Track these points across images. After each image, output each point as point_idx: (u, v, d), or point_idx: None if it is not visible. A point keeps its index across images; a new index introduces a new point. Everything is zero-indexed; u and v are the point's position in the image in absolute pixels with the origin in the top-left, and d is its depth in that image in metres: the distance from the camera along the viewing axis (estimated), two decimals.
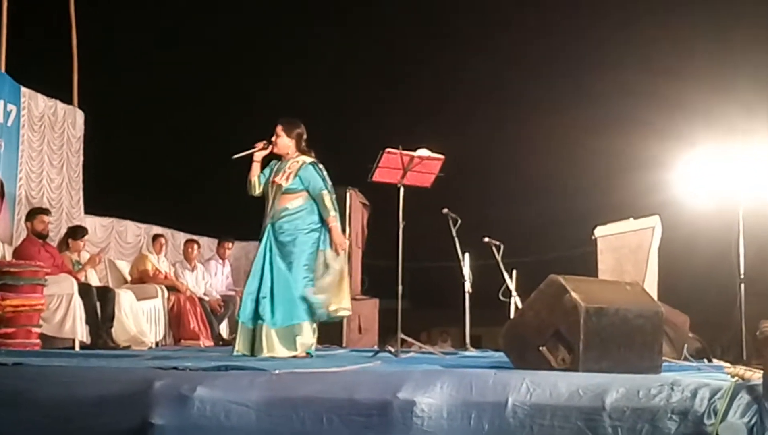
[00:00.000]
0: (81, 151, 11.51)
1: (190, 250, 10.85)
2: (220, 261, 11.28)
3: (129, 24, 18.38)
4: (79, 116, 11.54)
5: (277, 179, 6.33)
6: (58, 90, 11.30)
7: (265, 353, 6.01)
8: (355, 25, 20.05)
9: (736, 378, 3.29)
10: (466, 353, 7.59)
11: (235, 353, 6.10)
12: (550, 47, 18.87)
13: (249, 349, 6.12)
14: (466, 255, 8.57)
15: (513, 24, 19.39)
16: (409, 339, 6.67)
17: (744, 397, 3.06)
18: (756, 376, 3.36)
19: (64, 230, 9.88)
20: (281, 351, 6.04)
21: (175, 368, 4.09)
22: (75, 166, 11.40)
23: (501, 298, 8.29)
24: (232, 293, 10.96)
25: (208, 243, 12.74)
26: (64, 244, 9.16)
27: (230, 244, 11.55)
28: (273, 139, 6.39)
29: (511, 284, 8.26)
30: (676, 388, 3.14)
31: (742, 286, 8.01)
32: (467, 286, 8.66)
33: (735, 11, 14.87)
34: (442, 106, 20.29)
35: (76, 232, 9.30)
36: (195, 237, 11.83)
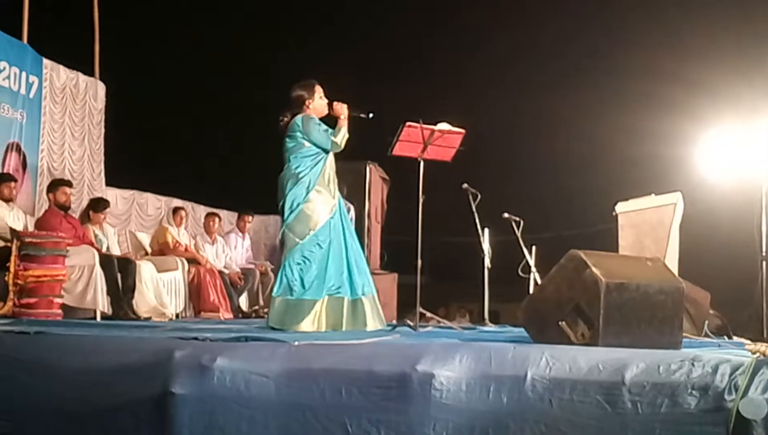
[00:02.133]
0: (102, 124, 11.56)
1: (210, 223, 10.89)
2: (240, 234, 11.32)
3: None
4: (101, 88, 11.57)
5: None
6: (79, 62, 11.34)
7: (362, 326, 6.08)
8: (377, 3, 19.96)
9: (757, 354, 3.27)
10: (485, 328, 7.59)
11: (318, 332, 5.93)
12: (573, 22, 18.71)
13: (338, 324, 6.05)
14: (486, 230, 8.55)
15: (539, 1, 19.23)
16: (428, 313, 6.67)
17: (765, 374, 3.04)
18: None
19: (85, 202, 9.94)
20: (374, 323, 6.18)
21: (196, 339, 4.12)
22: (96, 139, 11.45)
23: (520, 274, 8.27)
24: (252, 266, 11.01)
25: (228, 216, 12.78)
26: (85, 216, 9.21)
27: (250, 218, 11.58)
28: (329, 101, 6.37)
29: (531, 260, 8.23)
30: (696, 364, 3.13)
31: (764, 263, 7.95)
32: (486, 262, 8.64)
33: None
34: (463, 80, 20.21)
35: (98, 205, 9.34)
36: (216, 210, 11.86)
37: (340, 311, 6.12)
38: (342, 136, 6.25)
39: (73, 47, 11.85)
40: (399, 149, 6.38)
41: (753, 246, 8.20)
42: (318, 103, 6.36)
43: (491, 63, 20.33)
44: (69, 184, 8.93)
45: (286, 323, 5.95)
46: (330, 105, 6.37)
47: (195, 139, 19.07)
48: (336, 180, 6.39)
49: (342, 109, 6.31)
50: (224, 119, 19.13)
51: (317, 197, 6.18)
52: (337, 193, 6.38)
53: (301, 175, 6.16)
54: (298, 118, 6.25)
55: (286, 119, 6.34)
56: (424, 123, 6.31)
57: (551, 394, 3.23)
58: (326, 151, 6.27)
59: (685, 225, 7.53)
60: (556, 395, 3.22)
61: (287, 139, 6.26)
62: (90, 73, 11.47)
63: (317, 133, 6.22)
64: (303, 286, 6.05)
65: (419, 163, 6.42)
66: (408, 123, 6.29)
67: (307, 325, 5.97)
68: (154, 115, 17.87)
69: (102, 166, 11.55)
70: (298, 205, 6.12)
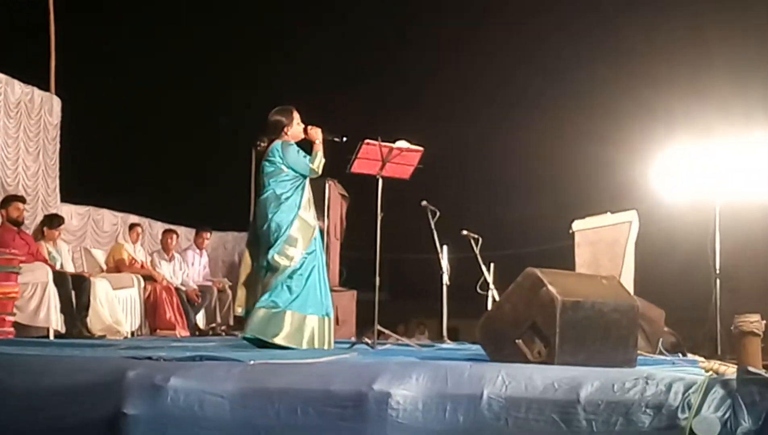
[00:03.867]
0: (58, 139, 11.44)
1: (168, 240, 10.79)
2: (198, 251, 11.23)
3: (107, 11, 18.24)
4: (56, 103, 11.45)
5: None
6: (35, 77, 11.21)
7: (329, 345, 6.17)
8: (335, 19, 20.01)
9: (710, 372, 3.31)
10: (443, 345, 7.59)
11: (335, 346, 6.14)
12: (528, 44, 18.89)
13: (322, 343, 6.16)
14: (445, 247, 8.57)
15: (493, 19, 19.41)
16: (386, 331, 6.66)
17: (718, 392, 3.07)
18: (730, 370, 3.38)
19: (40, 218, 9.81)
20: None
21: (149, 358, 4.06)
22: (51, 154, 11.32)
23: (479, 290, 8.30)
24: (209, 283, 10.92)
25: (185, 232, 12.69)
26: (39, 233, 9.08)
27: (208, 235, 11.51)
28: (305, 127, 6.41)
29: (489, 277, 8.27)
30: (650, 382, 3.15)
31: (718, 281, 8.07)
32: (445, 279, 8.66)
33: (711, 13, 14.96)
34: (421, 99, 20.30)
35: (52, 221, 9.21)
36: (173, 226, 11.77)
37: (325, 330, 6.21)
38: (319, 162, 6.31)
39: (28, 62, 11.72)
40: (357, 166, 6.38)
41: (707, 264, 8.32)
42: (295, 128, 6.40)
43: (450, 82, 20.47)
44: (22, 199, 8.80)
45: (266, 333, 5.97)
46: (305, 130, 6.38)
47: (152, 155, 18.92)
48: (313, 204, 6.42)
49: (317, 134, 6.35)
50: (182, 135, 19.00)
51: (301, 221, 6.23)
52: (316, 216, 6.43)
53: (284, 199, 6.21)
54: (278, 144, 6.29)
55: (263, 144, 6.37)
56: (383, 141, 6.33)
57: (507, 413, 3.23)
58: (304, 177, 6.31)
59: (640, 243, 7.62)
60: (512, 414, 3.22)
61: (266, 164, 6.29)
62: (46, 87, 11.35)
63: (296, 159, 6.27)
64: (293, 301, 6.10)
65: (378, 180, 6.43)
66: (366, 140, 6.30)
67: (288, 338, 6.01)
68: (111, 130, 17.71)
69: (57, 182, 11.42)
70: (285, 229, 6.15)
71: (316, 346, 6.10)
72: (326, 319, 6.28)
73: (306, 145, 6.39)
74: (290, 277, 6.11)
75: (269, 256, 6.13)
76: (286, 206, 6.18)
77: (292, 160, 6.24)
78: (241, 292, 6.40)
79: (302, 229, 6.21)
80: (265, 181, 6.27)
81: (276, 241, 6.13)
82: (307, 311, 6.14)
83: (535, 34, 18.76)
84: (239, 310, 6.44)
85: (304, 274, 6.17)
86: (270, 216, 6.18)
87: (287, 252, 6.13)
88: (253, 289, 6.28)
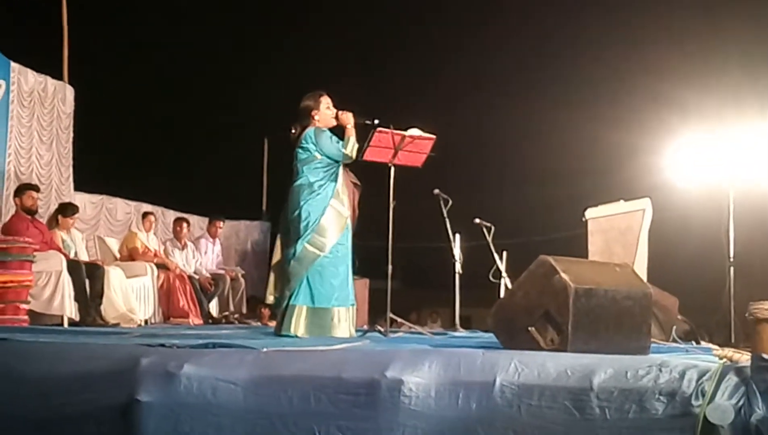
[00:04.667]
0: (71, 128, 11.46)
1: (179, 228, 10.82)
2: (211, 239, 11.26)
3: (120, 0, 18.24)
4: (69, 92, 11.47)
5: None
6: (48, 65, 11.23)
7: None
8: (347, 5, 19.96)
9: (724, 360, 3.29)
10: (456, 333, 7.60)
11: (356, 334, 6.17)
12: (542, 32, 18.82)
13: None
14: (457, 236, 8.57)
15: (507, 7, 19.31)
16: (399, 319, 6.68)
17: (732, 379, 3.05)
18: (744, 358, 3.36)
19: (53, 207, 9.85)
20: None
21: (162, 345, 4.08)
22: (65, 143, 11.34)
23: (491, 279, 8.30)
24: (222, 272, 10.95)
25: (198, 221, 12.72)
26: (53, 221, 9.12)
27: (221, 223, 11.54)
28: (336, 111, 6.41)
29: (502, 265, 8.26)
30: (664, 370, 3.14)
31: (732, 269, 8.03)
32: (458, 267, 8.67)
33: (724, 1, 14.87)
34: (434, 86, 20.24)
35: (66, 209, 9.25)
36: (185, 215, 11.79)
37: (350, 321, 6.27)
38: (352, 147, 6.28)
39: (41, 51, 11.74)
40: (370, 154, 6.38)
41: (721, 252, 8.28)
42: (324, 113, 6.38)
43: (463, 69, 20.41)
44: (36, 188, 8.83)
45: (313, 332, 6.02)
46: (336, 116, 6.38)
47: (165, 143, 18.95)
48: (347, 191, 6.42)
49: (348, 119, 6.34)
50: (195, 124, 19.02)
51: (333, 210, 6.24)
52: (347, 205, 6.43)
53: (317, 187, 6.21)
54: (311, 131, 6.29)
55: (295, 131, 6.38)
56: (395, 128, 6.32)
57: (520, 400, 3.22)
58: (338, 163, 6.29)
59: (653, 231, 7.59)
60: (525, 401, 3.22)
61: (299, 151, 6.29)
62: (59, 76, 11.37)
63: (329, 145, 6.27)
64: (330, 295, 6.15)
65: (390, 168, 6.42)
66: (378, 128, 6.29)
67: (339, 331, 6.09)
68: (124, 119, 17.74)
69: (71, 171, 11.45)
70: (316, 219, 6.15)
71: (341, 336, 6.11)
72: (351, 308, 6.31)
73: (339, 131, 6.40)
74: (319, 267, 6.12)
75: (299, 246, 6.12)
76: (318, 195, 6.19)
77: (326, 146, 6.24)
78: (272, 280, 6.42)
79: (334, 218, 6.20)
80: (299, 167, 6.26)
81: (306, 229, 6.13)
82: (334, 304, 6.16)
83: (548, 22, 18.69)
84: (270, 298, 6.46)
85: (335, 264, 6.18)
86: (302, 204, 6.18)
87: (317, 241, 6.13)
88: (283, 278, 6.30)
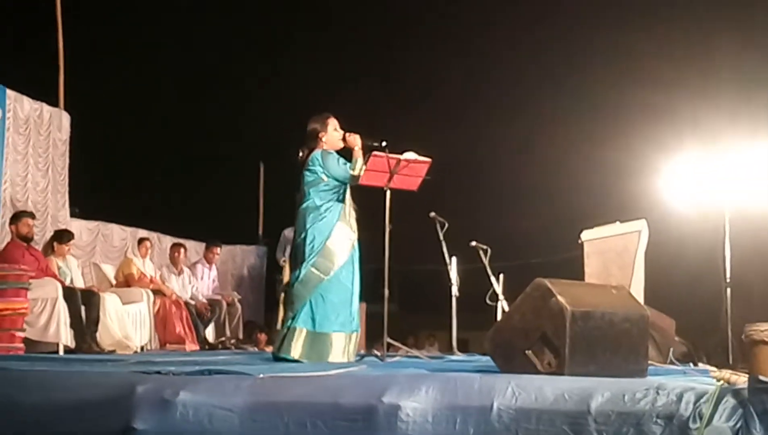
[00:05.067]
0: (67, 154, 11.47)
1: (176, 254, 10.81)
2: (207, 265, 11.25)
3: (115, 27, 18.33)
4: (65, 119, 11.49)
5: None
6: (44, 93, 11.26)
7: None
8: (341, 25, 20.07)
9: (721, 382, 3.28)
10: (453, 357, 7.58)
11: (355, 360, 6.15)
12: (536, 52, 18.90)
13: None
14: (453, 259, 8.56)
15: (499, 27, 19.42)
16: (396, 343, 6.65)
17: (729, 401, 3.05)
18: (742, 380, 3.35)
19: (49, 234, 9.83)
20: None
21: (158, 372, 4.06)
22: (60, 170, 11.35)
23: (488, 302, 8.28)
24: (219, 297, 10.93)
25: (194, 246, 12.71)
26: (49, 248, 9.10)
27: (218, 249, 11.53)
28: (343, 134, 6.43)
29: (498, 288, 8.25)
30: (661, 392, 3.13)
31: (728, 290, 8.03)
32: (454, 290, 8.65)
33: (718, 20, 14.96)
34: (429, 109, 20.29)
35: (62, 237, 9.24)
36: (181, 240, 11.78)
37: (351, 346, 6.24)
38: (360, 168, 6.28)
39: (37, 78, 11.77)
40: (365, 178, 6.37)
41: (718, 273, 8.29)
42: (332, 135, 6.43)
43: (457, 92, 20.48)
44: (32, 215, 8.82)
45: (311, 356, 6.00)
46: (344, 138, 6.41)
47: (161, 169, 18.98)
48: (354, 214, 6.42)
49: (355, 141, 6.38)
50: (191, 149, 19.05)
51: (339, 233, 6.25)
52: (355, 227, 6.41)
53: (324, 210, 6.23)
54: (318, 153, 6.32)
55: (302, 154, 6.42)
56: (390, 152, 6.32)
57: (518, 425, 3.21)
58: (345, 184, 6.32)
59: (650, 252, 7.59)
60: (523, 425, 3.21)
61: (306, 173, 6.33)
62: (55, 103, 11.40)
63: (336, 167, 6.31)
64: (331, 320, 6.13)
65: (385, 192, 6.43)
66: (374, 152, 6.30)
67: (336, 357, 6.07)
68: (120, 145, 17.77)
69: (66, 197, 11.44)
70: (321, 242, 6.16)
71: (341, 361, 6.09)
72: (354, 334, 6.29)
73: (346, 154, 6.42)
74: (323, 290, 6.12)
75: (303, 268, 6.13)
76: (324, 217, 6.21)
77: (332, 168, 6.28)
78: (282, 310, 6.45)
79: (340, 241, 6.21)
80: (305, 190, 6.29)
81: (311, 253, 6.13)
82: (335, 329, 6.15)
83: (541, 42, 18.76)
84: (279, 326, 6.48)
85: (339, 288, 6.17)
86: (308, 226, 6.20)
87: (322, 265, 6.14)
88: (288, 301, 6.30)
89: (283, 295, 6.50)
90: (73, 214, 11.57)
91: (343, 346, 6.16)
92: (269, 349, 10.32)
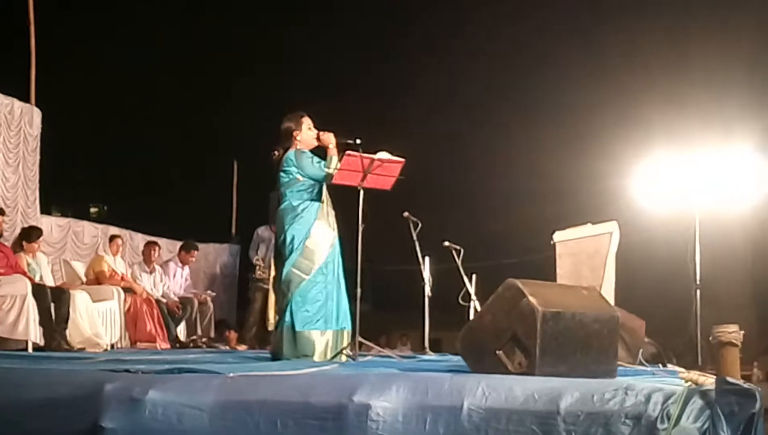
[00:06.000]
0: (38, 150, 11.36)
1: (151, 251, 10.72)
2: (180, 264, 11.17)
3: (88, 23, 18.18)
4: (37, 115, 11.38)
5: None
6: (15, 88, 11.14)
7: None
8: (315, 25, 20.04)
9: (689, 383, 3.31)
10: (425, 357, 7.57)
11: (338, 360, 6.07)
12: (508, 56, 18.97)
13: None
14: (426, 259, 8.56)
15: (472, 30, 19.49)
16: (367, 342, 6.63)
17: (697, 402, 3.07)
18: (709, 381, 3.39)
19: (19, 230, 9.72)
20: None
21: (127, 371, 4.03)
22: (31, 166, 11.24)
23: (461, 302, 8.29)
24: (191, 295, 10.86)
25: (166, 244, 12.62)
26: (18, 245, 9.00)
27: (195, 252, 11.43)
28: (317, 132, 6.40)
29: (471, 288, 8.26)
30: (630, 393, 3.15)
31: (698, 292, 8.11)
32: (427, 290, 8.65)
33: (690, 25, 15.10)
34: (402, 109, 20.32)
35: (31, 234, 9.12)
36: (155, 238, 11.70)
37: (338, 344, 6.21)
38: (334, 166, 6.27)
39: (8, 73, 11.65)
40: (338, 177, 6.36)
41: (687, 275, 8.36)
42: (306, 134, 6.40)
43: (431, 93, 20.51)
44: (1, 211, 8.72)
45: (297, 356, 5.98)
46: (318, 136, 6.39)
47: (133, 167, 18.85)
48: (333, 212, 6.40)
49: (330, 139, 6.36)
50: (164, 147, 18.95)
51: (318, 231, 6.22)
52: (335, 225, 6.40)
53: (300, 210, 6.20)
54: (291, 153, 6.30)
55: (277, 153, 6.39)
56: (364, 152, 6.32)
57: (487, 425, 3.22)
58: (320, 183, 6.31)
59: (621, 254, 7.64)
60: (492, 425, 3.22)
61: (282, 174, 6.31)
62: (26, 99, 11.28)
63: (310, 166, 6.28)
64: (312, 319, 6.10)
65: (359, 191, 6.42)
66: (347, 152, 6.29)
67: (321, 356, 6.05)
68: (91, 142, 17.63)
69: (37, 194, 11.34)
70: (300, 242, 6.14)
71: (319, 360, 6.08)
72: (343, 332, 6.27)
73: (320, 152, 6.40)
74: (303, 290, 6.11)
75: (285, 269, 6.13)
76: (302, 217, 6.18)
77: (307, 167, 6.26)
78: (272, 312, 6.46)
79: (319, 240, 6.20)
80: (282, 191, 6.28)
81: (291, 253, 6.13)
82: (317, 327, 6.12)
83: (516, 47, 18.84)
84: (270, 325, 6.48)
85: (319, 287, 6.16)
86: (286, 228, 6.19)
87: (303, 265, 6.13)
88: (278, 305, 6.32)
89: (273, 296, 6.50)
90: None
91: (327, 344, 6.15)
92: (240, 347, 10.30)
